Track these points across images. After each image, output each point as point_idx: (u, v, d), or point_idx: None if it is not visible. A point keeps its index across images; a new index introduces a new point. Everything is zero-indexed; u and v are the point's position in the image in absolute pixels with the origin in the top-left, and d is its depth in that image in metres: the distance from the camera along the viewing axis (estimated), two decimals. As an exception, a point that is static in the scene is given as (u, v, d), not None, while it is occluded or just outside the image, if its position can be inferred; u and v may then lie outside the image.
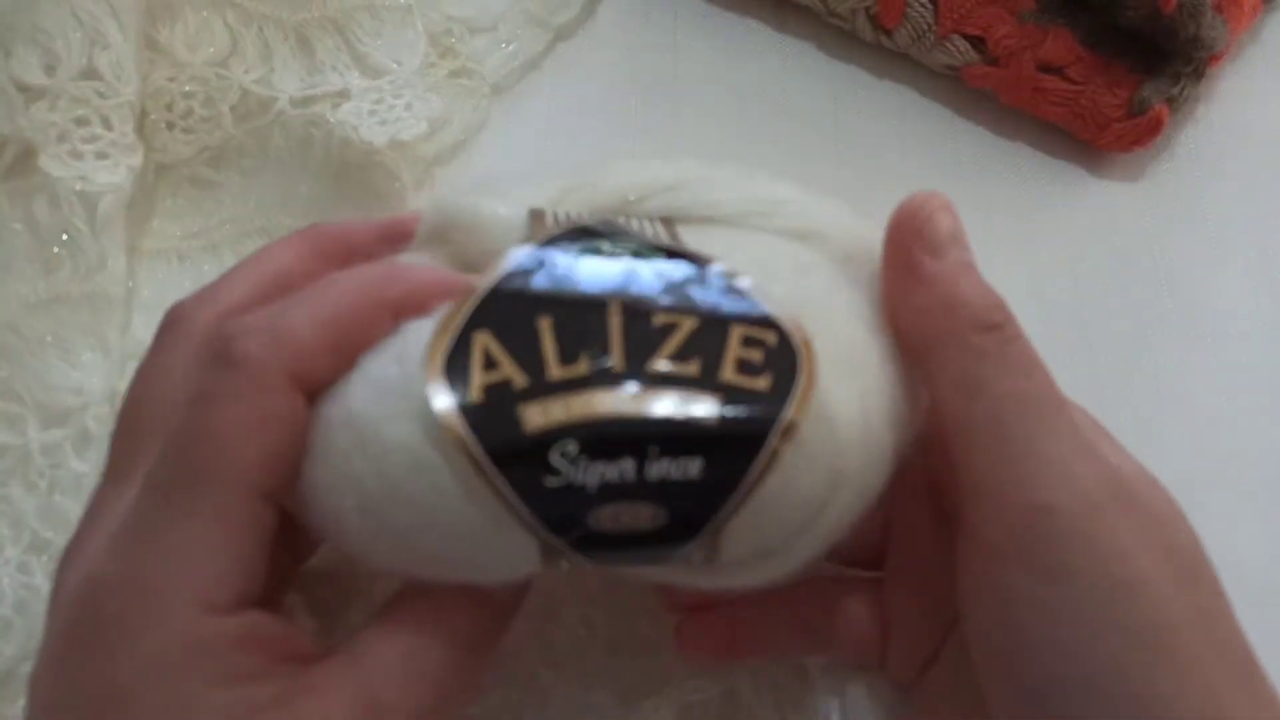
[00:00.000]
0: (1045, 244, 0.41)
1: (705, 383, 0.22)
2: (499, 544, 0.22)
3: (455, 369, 0.22)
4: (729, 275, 0.24)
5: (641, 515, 0.22)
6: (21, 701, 0.31)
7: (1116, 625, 0.23)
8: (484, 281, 0.23)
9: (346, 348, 0.23)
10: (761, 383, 0.22)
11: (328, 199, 0.39)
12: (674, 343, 0.23)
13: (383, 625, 0.24)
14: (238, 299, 0.26)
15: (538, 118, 0.44)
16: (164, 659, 0.22)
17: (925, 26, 0.43)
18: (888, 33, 0.44)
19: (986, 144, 0.44)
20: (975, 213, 0.41)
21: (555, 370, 0.22)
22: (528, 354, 0.22)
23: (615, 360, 0.22)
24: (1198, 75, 0.41)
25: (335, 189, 0.39)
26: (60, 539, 0.32)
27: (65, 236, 0.36)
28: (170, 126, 0.39)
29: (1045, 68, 0.42)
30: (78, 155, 0.36)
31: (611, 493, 0.22)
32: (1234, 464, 0.37)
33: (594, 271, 0.23)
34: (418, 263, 0.26)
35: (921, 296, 0.25)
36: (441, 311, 0.23)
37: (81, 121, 0.36)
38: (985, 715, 0.25)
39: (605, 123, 0.44)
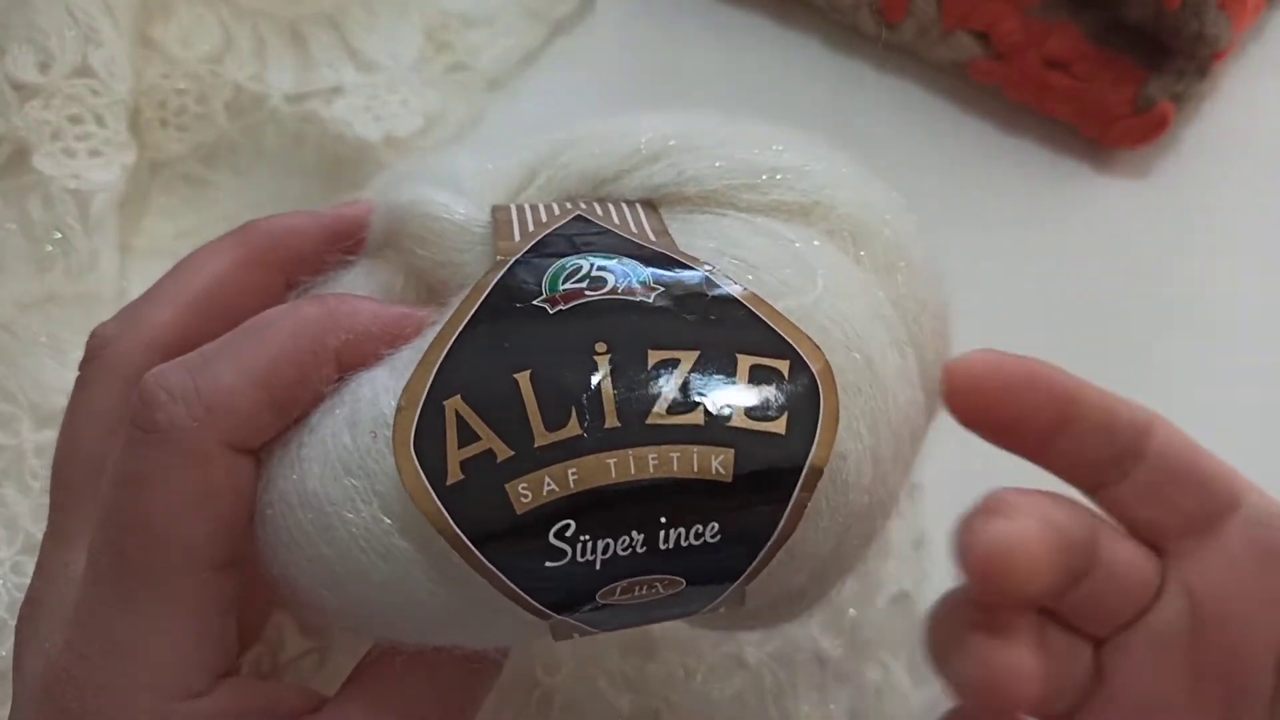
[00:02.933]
0: (1050, 240, 0.41)
1: (714, 433, 0.19)
2: (494, 623, 0.20)
3: (426, 442, 0.19)
4: (727, 284, 0.21)
5: (657, 585, 0.20)
6: (16, 703, 0.31)
7: None
8: (445, 327, 0.20)
9: (287, 404, 0.21)
10: (777, 425, 0.19)
11: (321, 196, 0.39)
12: (673, 385, 0.19)
13: (363, 686, 0.22)
14: (166, 321, 0.23)
15: (535, 113, 0.43)
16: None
17: (929, 21, 0.42)
18: (891, 27, 0.43)
19: (991, 140, 0.43)
20: (980, 210, 0.41)
21: (542, 436, 0.19)
22: (508, 418, 0.19)
23: (609, 416, 0.19)
24: (1202, 72, 0.41)
25: (329, 186, 0.39)
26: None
27: (58, 235, 0.35)
28: (164, 124, 0.39)
29: (1051, 63, 0.41)
30: (71, 153, 0.36)
31: (621, 568, 0.19)
32: (1239, 461, 0.37)
33: (573, 303, 0.20)
34: (367, 277, 0.24)
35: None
36: (397, 362, 0.20)
37: (75, 119, 0.36)
38: None
39: (603, 118, 0.43)
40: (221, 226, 0.38)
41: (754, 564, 0.20)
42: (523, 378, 0.19)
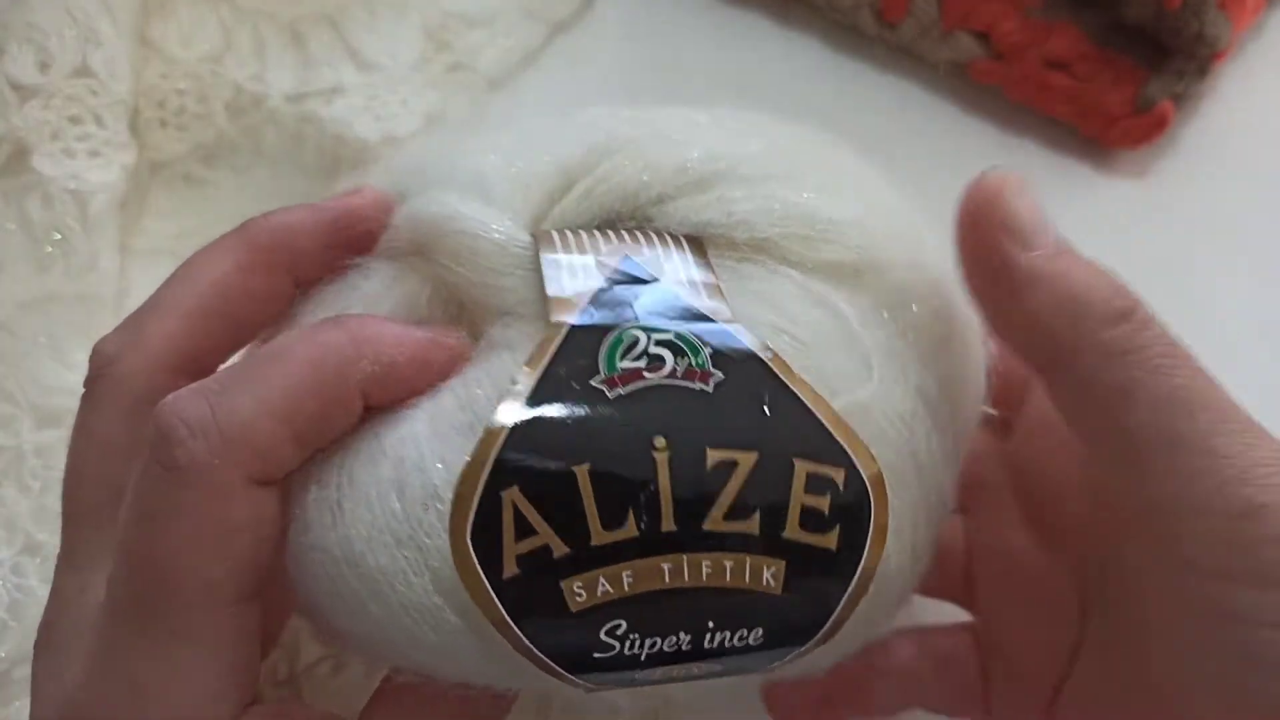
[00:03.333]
0: (1049, 241, 0.41)
1: (767, 543, 0.20)
2: (533, 680, 0.20)
3: (482, 533, 0.19)
4: (785, 375, 0.20)
5: (694, 672, 0.20)
6: (18, 703, 0.31)
7: None
8: (503, 414, 0.19)
9: (309, 437, 0.20)
10: (829, 539, 0.20)
11: (321, 196, 0.39)
12: (731, 490, 0.19)
13: (387, 710, 0.22)
14: (171, 334, 0.23)
15: (535, 113, 0.43)
16: None
17: (930, 21, 0.42)
18: (892, 27, 0.43)
19: (992, 140, 0.43)
20: (978, 211, 0.41)
21: (599, 534, 0.19)
22: (566, 515, 0.19)
23: (665, 519, 0.19)
24: (1202, 72, 0.41)
25: (329, 186, 0.39)
26: (54, 540, 0.32)
27: (58, 235, 0.35)
28: (163, 124, 0.39)
29: (1051, 64, 0.41)
30: (71, 154, 0.36)
31: (665, 659, 0.20)
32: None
33: (631, 385, 0.20)
34: (388, 288, 0.23)
35: (1028, 300, 0.21)
36: (439, 417, 0.20)
37: (75, 120, 0.36)
38: None
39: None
40: (221, 226, 0.38)
41: (792, 657, 0.21)
42: (581, 471, 0.19)
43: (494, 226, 0.21)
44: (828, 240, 0.22)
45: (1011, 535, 0.26)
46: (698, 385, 0.20)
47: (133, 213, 0.38)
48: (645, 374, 0.20)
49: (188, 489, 0.20)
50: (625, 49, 0.45)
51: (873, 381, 0.21)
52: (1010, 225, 0.22)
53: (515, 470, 0.19)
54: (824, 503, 0.20)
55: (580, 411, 0.19)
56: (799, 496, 0.20)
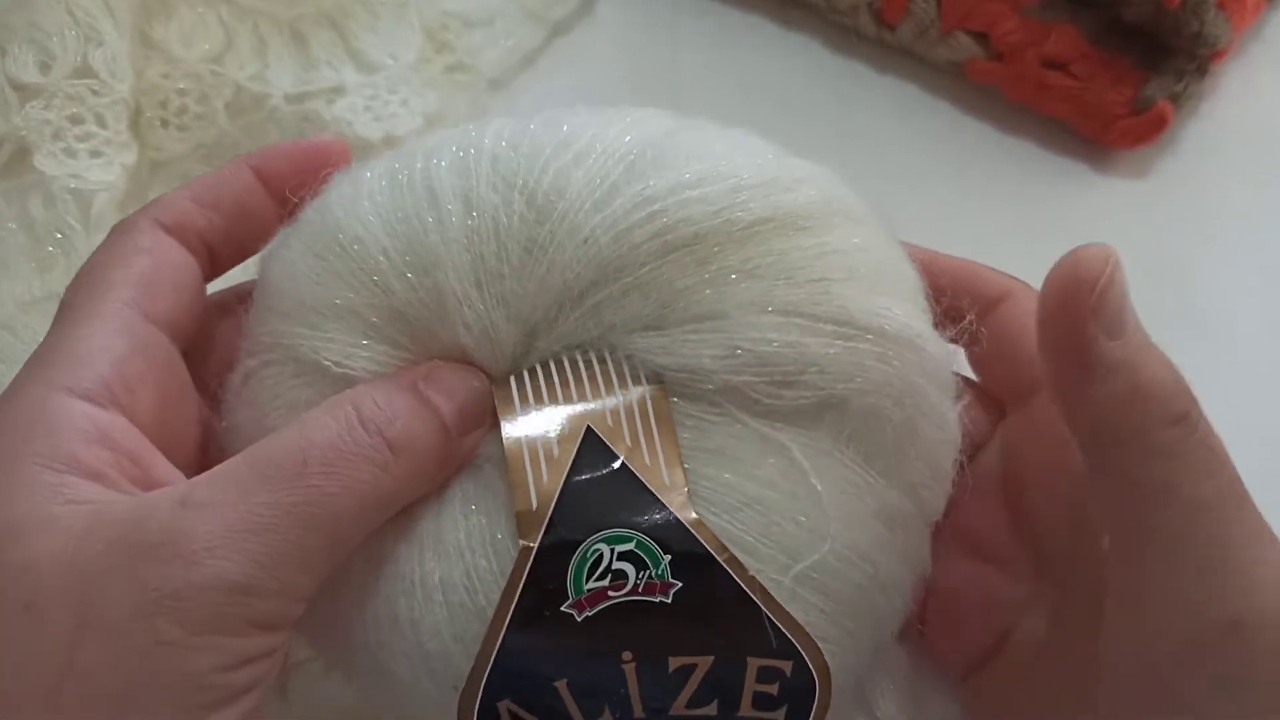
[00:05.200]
0: (1050, 241, 0.40)
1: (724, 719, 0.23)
2: None
3: None
4: (740, 577, 0.22)
5: None
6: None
7: None
8: (489, 630, 0.22)
9: (211, 199, 0.26)
10: (779, 714, 0.23)
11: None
12: (692, 685, 0.23)
13: None
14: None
15: (535, 113, 0.43)
16: (6, 428, 0.22)
17: (929, 22, 0.42)
18: (891, 28, 0.43)
19: (991, 140, 0.43)
20: (979, 209, 0.41)
21: None
22: (553, 715, 0.23)
23: (635, 708, 0.23)
24: (1201, 72, 0.41)
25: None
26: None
27: (59, 235, 0.35)
28: (164, 124, 0.39)
29: (1050, 64, 0.41)
30: (72, 153, 0.36)
31: None
32: (1239, 461, 0.37)
33: (598, 606, 0.22)
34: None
35: (1100, 386, 0.22)
36: (453, 596, 0.23)
37: (76, 119, 0.36)
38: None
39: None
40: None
41: None
42: (561, 685, 0.22)
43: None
44: (796, 384, 0.23)
45: (987, 524, 0.27)
46: (658, 599, 0.22)
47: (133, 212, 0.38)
48: (610, 593, 0.22)
49: (111, 234, 0.25)
50: (625, 50, 0.45)
51: (829, 537, 0.23)
52: (1101, 311, 0.22)
53: (505, 685, 0.22)
54: (774, 688, 0.23)
55: (554, 639, 0.22)
56: (751, 684, 0.23)
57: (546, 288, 0.23)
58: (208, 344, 0.27)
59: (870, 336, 0.23)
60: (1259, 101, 0.44)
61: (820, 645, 0.23)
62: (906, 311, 0.24)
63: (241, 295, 0.27)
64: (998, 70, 0.42)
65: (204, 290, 0.27)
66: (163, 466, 0.23)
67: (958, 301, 0.26)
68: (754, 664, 0.22)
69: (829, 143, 0.43)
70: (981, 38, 0.42)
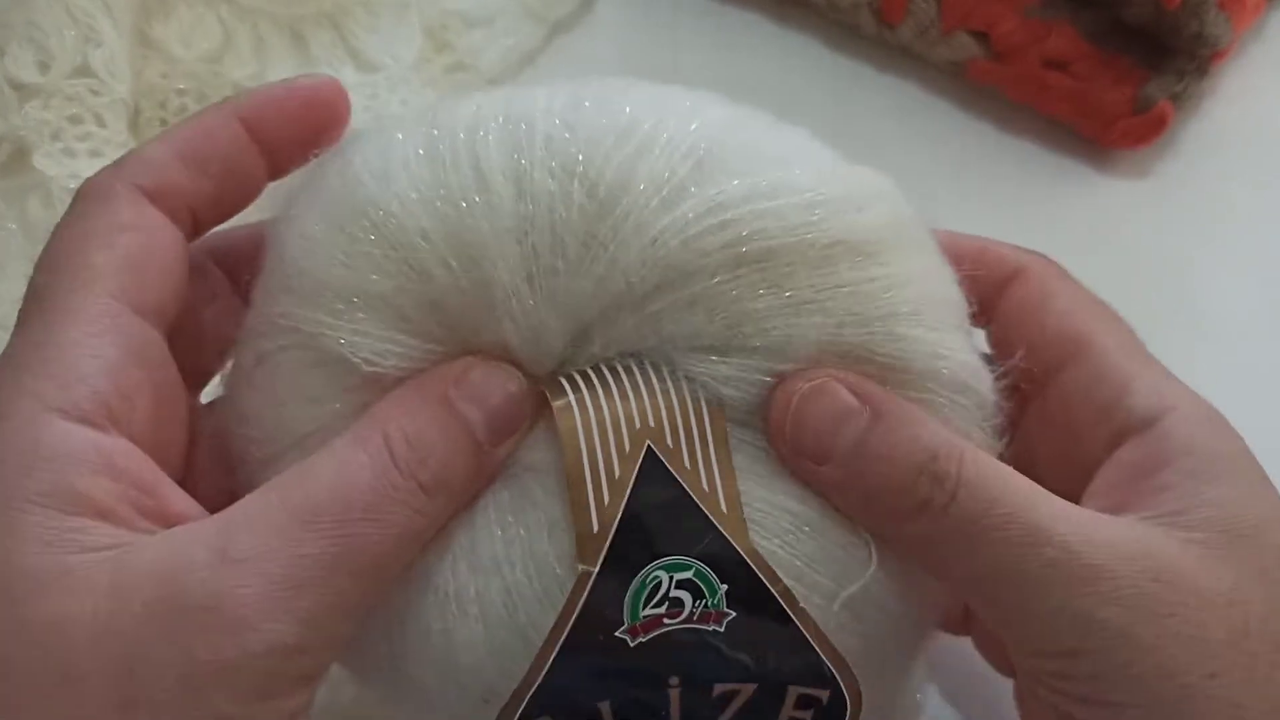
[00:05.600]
0: (1050, 241, 0.41)
1: None
2: None
3: None
4: (791, 609, 0.22)
5: None
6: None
7: None
8: (541, 650, 0.22)
9: (197, 159, 0.23)
10: None
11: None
12: (731, 710, 0.23)
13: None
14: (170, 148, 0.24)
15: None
16: None
17: (929, 21, 0.42)
18: (891, 27, 0.43)
19: (991, 140, 0.43)
20: (980, 209, 0.41)
21: None
22: None
23: None
24: (1201, 72, 0.41)
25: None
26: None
27: (58, 235, 0.35)
28: (164, 123, 0.39)
29: (1050, 64, 0.42)
30: (71, 153, 0.36)
31: None
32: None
33: (652, 633, 0.22)
34: None
35: (840, 503, 0.22)
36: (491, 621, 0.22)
37: (75, 119, 0.36)
38: None
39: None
40: (222, 226, 0.39)
41: None
42: (604, 707, 0.22)
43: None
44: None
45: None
46: (711, 627, 0.22)
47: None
48: (665, 620, 0.22)
49: (83, 198, 0.22)
50: (625, 49, 0.45)
51: (872, 560, 0.23)
52: (799, 449, 0.22)
53: (548, 705, 0.22)
54: (808, 714, 0.23)
55: (604, 662, 0.22)
56: (788, 711, 0.23)
57: (605, 288, 0.22)
58: (193, 325, 0.25)
59: (930, 386, 0.23)
60: (1259, 102, 0.44)
61: (855, 672, 0.23)
62: (960, 345, 0.24)
63: (213, 252, 0.25)
64: (998, 70, 0.42)
65: (187, 266, 0.24)
66: (174, 494, 0.21)
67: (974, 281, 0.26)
68: (794, 692, 0.23)
69: (829, 142, 0.43)
70: (982, 37, 0.42)
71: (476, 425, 0.21)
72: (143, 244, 0.22)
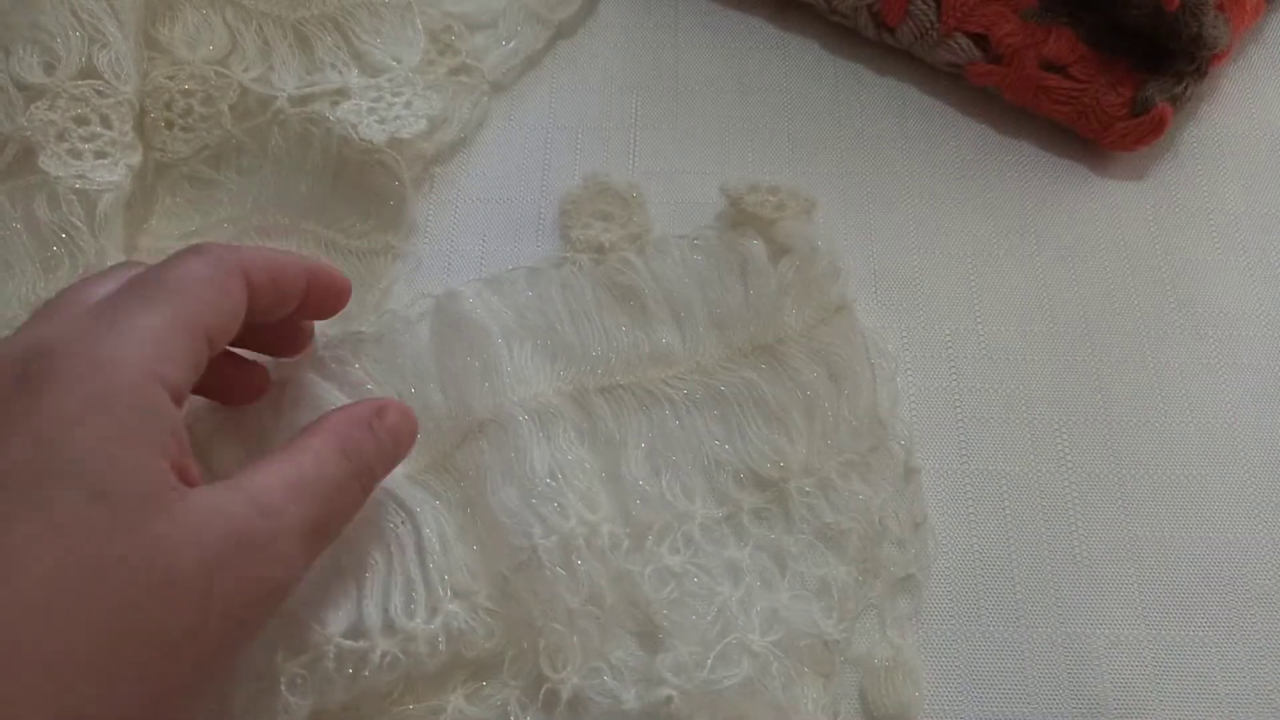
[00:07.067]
0: (1049, 243, 0.41)
1: None
2: None
3: None
4: None
5: None
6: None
7: None
8: None
9: (274, 280, 0.29)
10: None
11: (326, 197, 0.39)
12: None
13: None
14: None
15: (538, 115, 0.44)
16: (105, 400, 0.24)
17: (928, 24, 0.43)
18: (890, 30, 0.44)
19: (990, 142, 0.43)
20: (979, 211, 0.42)
21: None
22: None
23: None
24: (1200, 74, 0.41)
25: (334, 188, 0.39)
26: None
27: (64, 235, 0.35)
28: (169, 125, 0.39)
29: (1048, 66, 0.42)
30: (77, 154, 0.36)
31: None
32: (1238, 460, 0.37)
33: None
34: None
35: None
36: None
37: (81, 120, 0.36)
38: None
39: (606, 120, 0.43)
40: (226, 228, 0.39)
41: None
42: None
43: None
44: None
45: None
46: None
47: (139, 213, 0.38)
48: None
49: (208, 254, 0.28)
50: (627, 52, 0.45)
51: None
52: None
53: None
54: None
55: None
56: None
57: None
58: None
59: None
60: (1258, 104, 0.44)
61: None
62: None
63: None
64: (997, 72, 0.42)
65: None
66: (192, 464, 0.26)
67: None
68: None
69: (829, 144, 0.43)
70: (981, 40, 0.42)
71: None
72: (233, 306, 0.28)
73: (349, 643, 0.30)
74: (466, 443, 0.33)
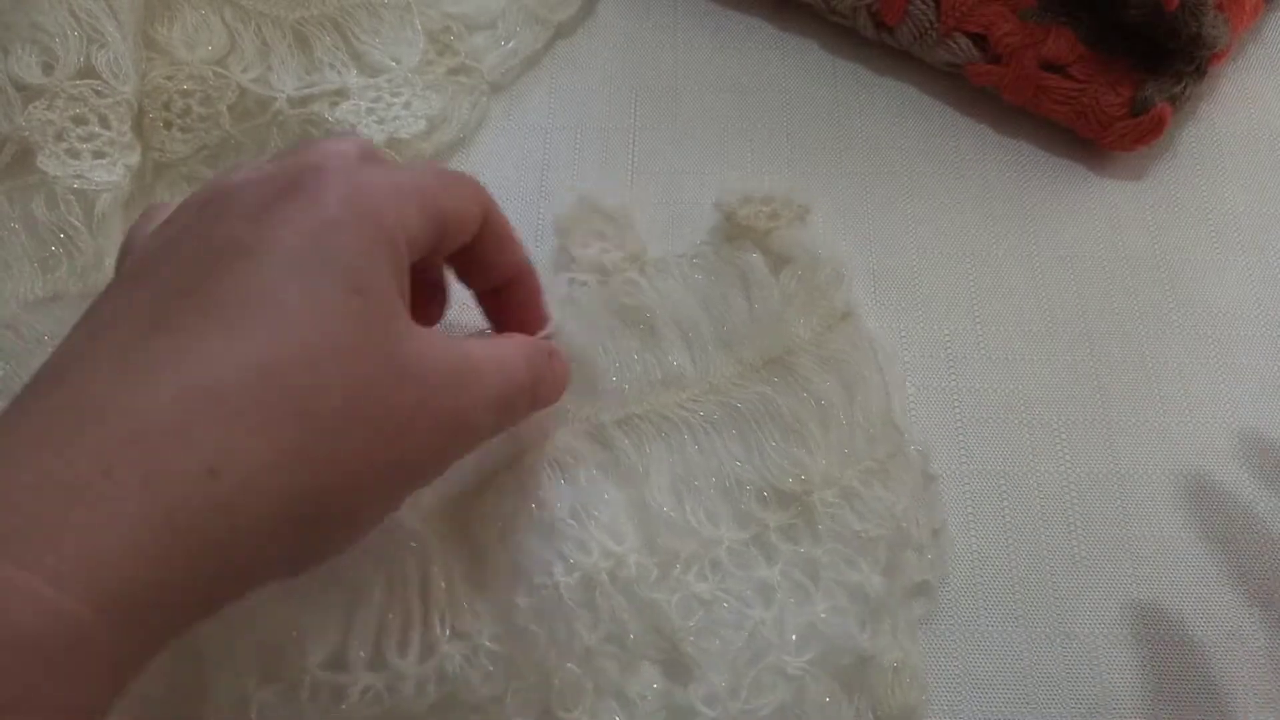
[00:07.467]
0: (1048, 242, 0.41)
1: None
2: None
3: None
4: None
5: None
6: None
7: None
8: None
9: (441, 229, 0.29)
10: None
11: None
12: None
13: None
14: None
15: (537, 116, 0.44)
16: (365, 218, 0.25)
17: (927, 24, 0.43)
18: (889, 30, 0.44)
19: (989, 142, 0.43)
20: (977, 211, 0.42)
21: None
22: None
23: None
24: (1200, 74, 0.41)
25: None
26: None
27: (63, 235, 0.35)
28: (168, 125, 0.39)
29: (1047, 66, 0.42)
30: (75, 154, 0.36)
31: None
32: (1238, 460, 0.37)
33: None
34: None
35: None
36: None
37: (79, 120, 0.36)
38: None
39: (605, 121, 0.43)
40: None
41: None
42: None
43: None
44: None
45: None
46: None
47: (137, 213, 0.38)
48: None
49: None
50: (626, 52, 0.45)
51: None
52: None
53: None
54: None
55: None
56: None
57: None
58: None
59: None
60: (1257, 103, 0.44)
61: None
62: None
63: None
64: (996, 72, 0.42)
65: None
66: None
67: None
68: None
69: (828, 144, 0.43)
70: (980, 40, 0.42)
71: None
72: (465, 217, 0.29)
73: (326, 674, 0.28)
74: (484, 494, 0.32)
